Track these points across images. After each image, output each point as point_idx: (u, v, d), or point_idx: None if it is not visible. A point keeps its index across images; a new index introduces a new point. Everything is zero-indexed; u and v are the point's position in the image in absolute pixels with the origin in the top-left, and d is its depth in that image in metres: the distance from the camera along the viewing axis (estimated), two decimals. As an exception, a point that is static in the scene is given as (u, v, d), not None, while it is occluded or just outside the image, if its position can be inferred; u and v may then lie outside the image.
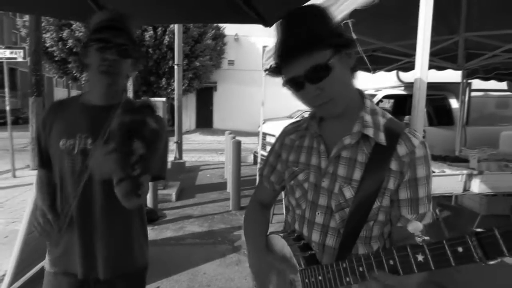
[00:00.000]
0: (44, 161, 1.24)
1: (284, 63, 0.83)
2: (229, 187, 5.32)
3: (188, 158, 8.76)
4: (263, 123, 5.68)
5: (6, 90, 6.93)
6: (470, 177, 2.97)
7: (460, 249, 0.54)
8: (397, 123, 0.86)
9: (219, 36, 16.00)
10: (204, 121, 18.46)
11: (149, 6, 2.10)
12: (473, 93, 5.81)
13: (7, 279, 2.63)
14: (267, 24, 1.89)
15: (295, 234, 0.94)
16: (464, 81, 5.06)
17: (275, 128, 6.52)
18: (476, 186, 2.94)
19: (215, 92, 18.60)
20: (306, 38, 0.77)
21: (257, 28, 2.03)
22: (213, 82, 17.89)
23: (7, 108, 7.00)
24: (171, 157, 7.67)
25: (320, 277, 0.80)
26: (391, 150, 0.81)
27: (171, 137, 7.76)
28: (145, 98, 1.24)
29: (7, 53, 6.82)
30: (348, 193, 0.84)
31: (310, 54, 0.77)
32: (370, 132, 0.83)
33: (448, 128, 5.76)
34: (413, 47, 3.46)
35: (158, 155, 1.22)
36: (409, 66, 4.51)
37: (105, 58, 1.11)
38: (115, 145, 0.99)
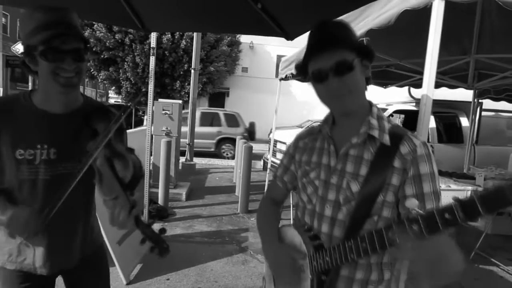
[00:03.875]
0: None
1: (313, 56, 0.94)
2: (238, 191, 5.45)
3: (198, 161, 8.93)
4: (274, 130, 5.82)
5: (30, 84, 7.23)
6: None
7: (446, 215, 0.65)
8: (401, 128, 0.98)
9: (235, 43, 16.28)
10: (215, 126, 18.65)
11: (177, 15, 2.26)
12: (484, 113, 5.85)
13: None
14: (289, 37, 2.02)
15: (306, 227, 1.05)
16: (475, 100, 5.13)
17: (285, 136, 6.66)
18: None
19: (227, 98, 18.84)
20: (337, 36, 0.92)
21: (272, 37, 2.16)
22: (226, 88, 18.14)
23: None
24: (182, 159, 7.84)
25: (327, 258, 0.91)
26: (394, 150, 0.90)
27: (184, 139, 7.95)
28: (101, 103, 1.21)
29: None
30: (355, 187, 0.93)
31: (338, 50, 0.90)
32: (375, 133, 0.93)
33: (457, 146, 5.81)
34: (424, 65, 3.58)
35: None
36: (421, 83, 4.61)
37: (60, 68, 1.04)
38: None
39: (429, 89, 1.36)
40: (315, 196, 1.03)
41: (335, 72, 0.91)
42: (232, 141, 10.04)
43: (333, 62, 0.90)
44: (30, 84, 7.24)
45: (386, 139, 0.93)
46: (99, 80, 14.45)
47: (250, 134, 10.63)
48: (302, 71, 1.01)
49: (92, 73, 14.05)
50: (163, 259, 1.06)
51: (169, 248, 1.05)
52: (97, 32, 12.56)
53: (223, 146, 10.88)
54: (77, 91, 1.19)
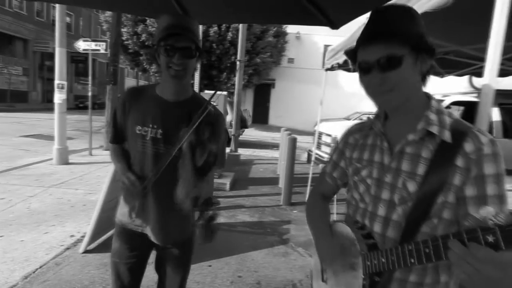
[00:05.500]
0: (118, 137, 1.44)
1: (362, 45, 0.88)
2: (281, 183, 5.43)
3: (243, 152, 9.05)
4: (319, 122, 5.69)
5: (90, 78, 7.81)
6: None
7: None
8: (464, 123, 0.87)
9: (281, 34, 16.12)
10: (260, 117, 18.78)
11: (222, 6, 2.27)
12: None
13: (86, 240, 3.06)
14: (335, 26, 1.93)
15: (359, 224, 1.00)
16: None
17: (331, 128, 6.47)
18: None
19: (272, 89, 18.81)
20: (389, 28, 0.84)
21: (319, 27, 2.08)
22: (271, 79, 18.10)
23: (89, 94, 7.89)
24: (227, 149, 8.00)
25: (383, 259, 0.85)
26: (457, 147, 0.82)
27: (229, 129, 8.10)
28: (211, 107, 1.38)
29: (92, 45, 7.68)
30: (412, 187, 0.86)
31: (387, 43, 0.83)
32: (435, 129, 0.85)
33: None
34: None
35: (220, 151, 1.37)
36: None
37: (172, 62, 1.25)
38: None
39: (491, 77, 1.21)
40: (368, 195, 0.98)
41: (379, 67, 0.85)
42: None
43: (379, 56, 0.84)
44: (89, 78, 7.84)
45: (447, 136, 0.84)
46: (151, 73, 15.19)
47: (242, 121, 10.32)
48: (352, 59, 0.95)
49: (145, 66, 14.81)
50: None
51: (213, 238, 1.18)
52: (150, 27, 13.17)
53: None
54: (187, 83, 1.39)
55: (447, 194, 0.82)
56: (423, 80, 0.91)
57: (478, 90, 5.41)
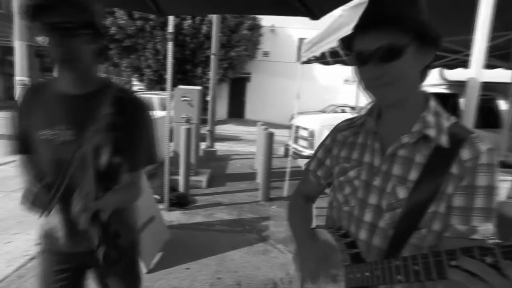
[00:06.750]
0: (22, 146, 1.18)
1: (359, 33, 0.79)
2: (259, 178, 5.37)
3: (219, 147, 8.92)
4: (296, 116, 5.65)
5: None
6: (516, 184, 2.80)
7: None
8: (464, 128, 0.81)
9: (255, 27, 15.97)
10: (236, 111, 18.63)
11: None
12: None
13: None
14: (315, 17, 1.85)
15: (342, 231, 0.93)
16: (516, 81, 4.72)
17: (308, 122, 6.46)
18: (522, 194, 2.77)
19: (248, 83, 18.67)
20: (391, 12, 0.74)
21: (294, 19, 2.00)
22: (247, 73, 17.96)
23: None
24: (202, 145, 7.84)
25: (367, 273, 0.77)
26: (453, 154, 0.75)
27: (204, 125, 7.93)
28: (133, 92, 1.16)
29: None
30: (402, 193, 0.80)
31: (387, 31, 0.74)
32: (431, 132, 0.78)
33: (494, 131, 5.42)
34: (461, 43, 3.27)
35: (143, 146, 1.19)
36: (455, 64, 4.27)
37: (53, 43, 0.99)
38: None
39: (477, 70, 1.18)
40: (354, 198, 0.90)
41: (377, 57, 0.75)
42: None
43: (378, 45, 0.74)
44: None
45: (444, 140, 0.77)
46: (122, 68, 14.64)
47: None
48: (348, 48, 0.84)
49: (115, 61, 14.24)
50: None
51: (120, 259, 0.91)
52: (119, 19, 12.65)
53: None
54: (88, 70, 1.12)
55: (439, 203, 0.76)
56: (422, 75, 0.83)
57: (449, 82, 5.56)
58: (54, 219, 1.17)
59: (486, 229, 0.70)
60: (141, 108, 1.18)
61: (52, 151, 1.11)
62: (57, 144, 1.10)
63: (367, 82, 0.81)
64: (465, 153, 0.75)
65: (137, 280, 1.38)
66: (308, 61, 4.58)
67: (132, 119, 1.13)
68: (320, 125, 5.55)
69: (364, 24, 0.78)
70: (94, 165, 0.93)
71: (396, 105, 0.83)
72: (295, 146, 6.11)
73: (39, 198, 1.05)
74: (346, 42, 0.84)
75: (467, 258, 0.56)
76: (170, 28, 3.77)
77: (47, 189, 1.06)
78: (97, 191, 0.92)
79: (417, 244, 0.78)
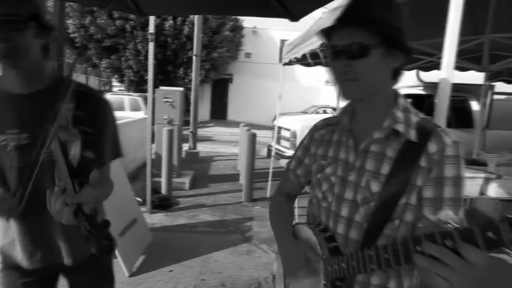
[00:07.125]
0: None
1: (335, 28, 0.84)
2: (242, 179, 5.38)
3: (202, 149, 8.87)
4: (278, 117, 5.70)
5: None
6: (487, 181, 2.93)
7: (490, 234, 0.54)
8: (430, 123, 0.85)
9: (237, 28, 16.00)
10: (219, 113, 18.57)
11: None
12: (495, 96, 5.65)
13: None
14: (294, 18, 1.88)
15: (321, 226, 0.96)
16: (487, 83, 4.94)
17: (290, 123, 6.53)
18: (493, 190, 2.90)
19: (230, 84, 18.66)
20: (362, 13, 0.80)
21: (276, 21, 2.04)
22: (229, 74, 17.94)
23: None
24: (185, 147, 7.77)
25: (343, 264, 0.82)
26: (421, 147, 0.79)
27: (187, 126, 7.87)
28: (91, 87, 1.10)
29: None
30: (375, 187, 0.83)
31: (359, 29, 0.78)
32: (400, 127, 0.82)
33: (467, 131, 5.64)
34: (436, 46, 3.40)
35: (108, 139, 1.15)
36: (430, 66, 4.43)
37: None
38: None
39: (448, 72, 1.24)
40: (331, 194, 0.94)
41: (345, 53, 0.80)
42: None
43: (347, 42, 0.79)
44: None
45: (412, 134, 0.81)
46: (102, 69, 14.33)
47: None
48: (327, 39, 0.89)
49: (94, 61, 13.92)
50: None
51: (112, 247, 0.86)
52: (98, 19, 12.39)
53: None
54: (37, 67, 1.04)
55: (410, 195, 0.80)
56: (395, 76, 0.87)
57: (425, 83, 5.75)
58: (13, 233, 1.10)
59: (445, 215, 0.74)
60: (102, 102, 1.13)
61: (7, 158, 1.02)
62: (11, 150, 1.02)
63: (335, 76, 0.85)
64: (432, 146, 0.79)
65: (111, 285, 1.33)
66: (290, 63, 4.64)
67: (95, 113, 1.07)
68: (302, 126, 5.62)
69: (342, 19, 0.83)
70: (66, 161, 0.88)
71: (361, 100, 0.88)
72: (277, 146, 6.16)
73: (3, 204, 1.00)
74: (325, 34, 0.88)
75: (430, 242, 0.60)
76: (151, 28, 3.74)
77: (12, 195, 1.00)
78: (74, 186, 0.87)
79: (391, 234, 0.82)
